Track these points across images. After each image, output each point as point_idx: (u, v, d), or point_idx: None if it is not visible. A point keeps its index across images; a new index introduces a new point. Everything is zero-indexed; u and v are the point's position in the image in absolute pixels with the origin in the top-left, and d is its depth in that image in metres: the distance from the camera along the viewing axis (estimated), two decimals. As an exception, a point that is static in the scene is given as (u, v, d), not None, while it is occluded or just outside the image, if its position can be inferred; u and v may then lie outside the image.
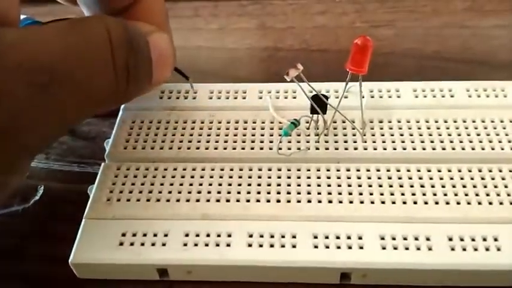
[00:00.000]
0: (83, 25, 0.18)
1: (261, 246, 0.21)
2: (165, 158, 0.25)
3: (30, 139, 0.18)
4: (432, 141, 0.25)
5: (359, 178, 0.23)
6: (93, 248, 0.21)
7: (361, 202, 0.22)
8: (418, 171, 0.23)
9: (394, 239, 0.21)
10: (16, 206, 0.25)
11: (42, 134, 0.18)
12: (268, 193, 0.23)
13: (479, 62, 0.32)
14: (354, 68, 0.22)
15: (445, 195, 0.22)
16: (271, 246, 0.21)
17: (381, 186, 0.23)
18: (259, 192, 0.23)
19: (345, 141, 0.25)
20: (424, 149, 0.24)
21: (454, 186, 0.23)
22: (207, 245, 0.21)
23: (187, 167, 0.24)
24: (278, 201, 0.23)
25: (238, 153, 0.25)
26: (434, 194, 0.22)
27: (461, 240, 0.21)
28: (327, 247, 0.21)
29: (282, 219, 0.22)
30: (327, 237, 0.21)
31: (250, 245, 0.21)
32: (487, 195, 0.22)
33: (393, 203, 0.22)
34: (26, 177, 0.20)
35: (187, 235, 0.22)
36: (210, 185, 0.23)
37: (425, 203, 0.22)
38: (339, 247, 0.21)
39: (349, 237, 0.21)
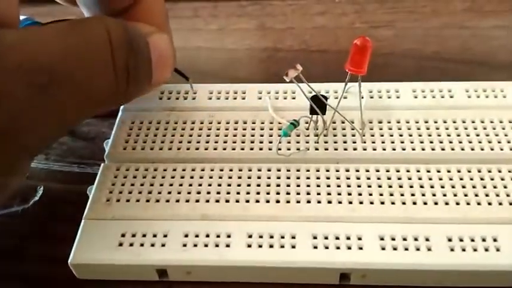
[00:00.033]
0: (82, 26, 0.18)
1: (260, 246, 0.21)
2: (164, 159, 0.25)
3: (30, 140, 0.18)
4: (431, 142, 0.25)
5: (358, 178, 0.23)
6: (93, 249, 0.21)
7: (361, 202, 0.22)
8: (418, 171, 0.23)
9: (393, 239, 0.21)
10: (16, 206, 0.25)
11: (42, 134, 0.18)
12: (268, 193, 0.23)
13: (478, 63, 0.32)
14: (353, 69, 0.22)
15: (445, 195, 0.22)
16: (271, 246, 0.21)
17: (380, 186, 0.23)
18: (258, 193, 0.23)
19: (344, 142, 0.25)
20: (423, 149, 0.24)
21: (453, 187, 0.23)
22: (206, 245, 0.21)
23: (187, 168, 0.24)
24: (277, 201, 0.23)
25: (238, 153, 0.25)
26: (434, 195, 0.22)
27: (461, 240, 0.21)
28: (327, 247, 0.21)
29: (282, 219, 0.22)
30: (326, 238, 0.21)
31: (249, 246, 0.21)
32: (486, 195, 0.22)
33: (392, 203, 0.22)
34: (26, 177, 0.20)
35: (186, 236, 0.22)
36: (210, 185, 0.23)
37: (425, 203, 0.22)
38: (338, 247, 0.21)
39: (348, 238, 0.21)
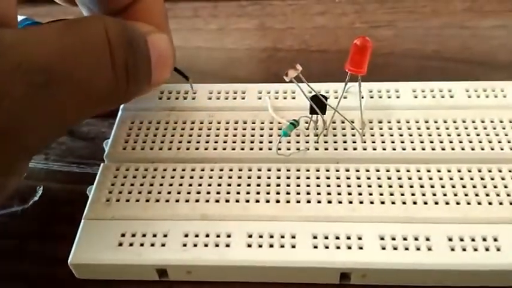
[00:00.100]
0: (80, 25, 0.18)
1: (260, 246, 0.21)
2: (164, 159, 0.25)
3: (29, 139, 0.18)
4: (432, 142, 0.25)
5: (358, 178, 0.23)
6: (93, 249, 0.21)
7: (361, 202, 0.22)
8: (418, 171, 0.23)
9: (393, 239, 0.21)
10: (15, 206, 0.25)
11: (41, 134, 0.18)
12: (268, 193, 0.23)
13: (478, 63, 0.32)
14: (353, 69, 0.22)
15: (445, 195, 0.22)
16: (271, 246, 0.21)
17: (380, 186, 0.23)
18: (258, 193, 0.23)
19: (344, 142, 0.25)
20: (423, 149, 0.24)
21: (453, 187, 0.23)
22: (206, 245, 0.21)
23: (187, 168, 0.24)
24: (277, 201, 0.23)
25: (238, 153, 0.25)
26: (434, 194, 0.22)
27: (461, 240, 0.21)
28: (327, 247, 0.21)
29: (282, 219, 0.22)
30: (326, 238, 0.21)
31: (249, 245, 0.21)
32: (487, 195, 0.22)
33: (393, 203, 0.22)
34: (25, 177, 0.20)
35: (186, 235, 0.22)
36: (210, 185, 0.23)
37: (425, 203, 0.22)
38: (338, 247, 0.21)
39: (348, 238, 0.21)
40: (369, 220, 0.22)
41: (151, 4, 0.23)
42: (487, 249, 0.21)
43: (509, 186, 0.23)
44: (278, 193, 0.23)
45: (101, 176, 0.24)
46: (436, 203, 0.22)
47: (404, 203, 0.22)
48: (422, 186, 0.23)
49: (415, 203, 0.22)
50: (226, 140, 0.25)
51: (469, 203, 0.22)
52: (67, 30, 0.18)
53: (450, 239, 0.21)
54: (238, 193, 0.23)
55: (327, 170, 0.24)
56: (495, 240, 0.21)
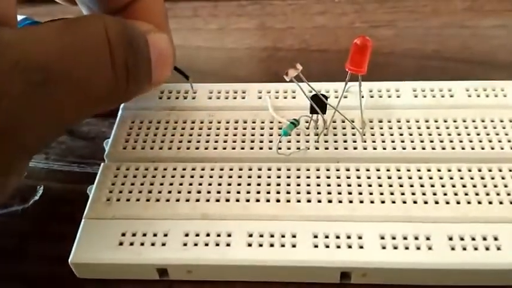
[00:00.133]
0: (80, 24, 0.18)
1: (260, 245, 0.21)
2: (164, 158, 0.25)
3: (28, 139, 0.18)
4: (432, 141, 0.25)
5: (359, 178, 0.23)
6: (93, 248, 0.21)
7: (361, 202, 0.22)
8: (418, 170, 0.23)
9: (394, 238, 0.21)
10: (16, 206, 0.25)
11: (40, 133, 0.18)
12: (268, 193, 0.23)
13: (479, 62, 0.32)
14: (353, 68, 0.22)
15: (445, 194, 0.22)
16: (271, 245, 0.21)
17: (380, 185, 0.23)
18: (258, 192, 0.23)
19: (345, 141, 0.25)
20: (423, 148, 0.24)
21: (454, 186, 0.23)
22: (207, 244, 0.21)
23: (187, 167, 0.24)
24: (278, 200, 0.23)
25: (238, 153, 0.25)
26: (434, 194, 0.22)
27: (461, 239, 0.21)
28: (327, 246, 0.21)
29: (282, 218, 0.22)
30: (326, 237, 0.21)
31: (250, 245, 0.21)
32: (487, 194, 0.22)
33: (393, 202, 0.22)
34: (25, 177, 0.20)
35: (187, 235, 0.22)
36: (210, 184, 0.23)
37: (425, 202, 0.22)
38: (338, 246, 0.21)
39: (349, 237, 0.21)
40: (369, 219, 0.22)
41: (151, 3, 0.23)
42: (487, 249, 0.21)
43: (510, 185, 0.23)
44: (278, 192, 0.23)
45: (101, 176, 0.24)
46: (437, 203, 0.22)
47: (404, 202, 0.22)
48: (422, 186, 0.23)
49: (415, 202, 0.22)
50: (227, 139, 0.25)
51: (469, 203, 0.22)
52: (66, 29, 0.18)
53: (450, 238, 0.21)
54: (238, 192, 0.23)
55: (327, 170, 0.24)
56: (495, 239, 0.21)
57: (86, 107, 0.19)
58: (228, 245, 0.21)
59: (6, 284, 0.23)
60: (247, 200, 0.23)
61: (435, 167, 0.23)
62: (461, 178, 0.23)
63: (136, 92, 0.21)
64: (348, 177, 0.23)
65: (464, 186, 0.23)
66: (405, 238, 0.21)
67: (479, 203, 0.22)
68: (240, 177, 0.23)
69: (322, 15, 0.35)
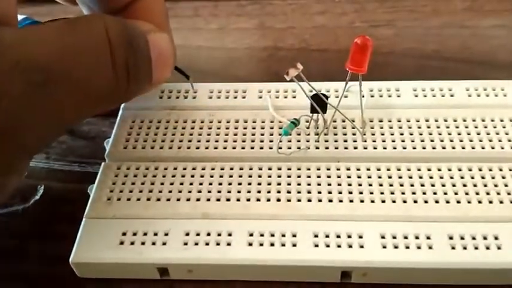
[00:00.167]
0: (81, 24, 0.18)
1: (261, 245, 0.21)
2: (165, 158, 0.25)
3: (28, 139, 0.18)
4: (432, 141, 0.25)
5: (359, 177, 0.23)
6: (94, 248, 0.21)
7: (362, 201, 0.22)
8: (418, 170, 0.23)
9: (394, 237, 0.21)
10: (16, 205, 0.25)
11: (40, 133, 0.18)
12: (269, 192, 0.23)
13: (478, 62, 0.32)
14: (353, 68, 0.22)
15: (445, 194, 0.22)
16: (272, 245, 0.21)
17: (381, 185, 0.23)
18: (259, 192, 0.23)
19: (345, 141, 0.25)
20: (424, 148, 0.24)
21: (454, 185, 0.23)
22: (207, 244, 0.21)
23: (188, 167, 0.24)
24: (278, 200, 0.23)
25: (239, 152, 0.25)
26: (435, 193, 0.22)
27: (462, 239, 0.21)
28: (328, 246, 0.21)
29: (283, 218, 0.22)
30: (327, 236, 0.21)
31: (250, 244, 0.21)
32: (487, 194, 0.22)
33: (393, 202, 0.22)
34: (26, 176, 0.20)
35: (187, 234, 0.22)
36: (211, 184, 0.23)
37: (426, 201, 0.22)
38: (339, 246, 0.21)
39: (349, 236, 0.21)
40: (369, 219, 0.22)
41: (151, 3, 0.23)
42: (487, 248, 0.21)
43: (510, 185, 0.23)
44: (279, 192, 0.23)
45: (102, 175, 0.24)
46: (437, 202, 0.22)
47: (405, 201, 0.22)
48: (422, 185, 0.23)
49: (415, 201, 0.22)
50: (227, 139, 0.25)
51: (469, 202, 0.22)
52: (67, 29, 0.18)
53: (451, 238, 0.21)
54: (239, 192, 0.23)
55: (328, 169, 0.24)
56: (496, 238, 0.21)
57: (87, 107, 0.19)
58: (228, 244, 0.21)
59: (7, 284, 0.23)
60: (248, 200, 0.23)
61: (435, 166, 0.23)
62: (462, 177, 0.23)
63: (136, 92, 0.21)
64: (349, 177, 0.23)
65: (464, 185, 0.23)
66: (406, 237, 0.21)
67: (480, 202, 0.22)
68: (240, 176, 0.24)
69: (322, 14, 0.35)
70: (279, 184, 0.23)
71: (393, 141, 0.25)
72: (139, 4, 0.22)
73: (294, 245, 0.21)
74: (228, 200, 0.23)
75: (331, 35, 0.34)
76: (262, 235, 0.21)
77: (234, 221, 0.22)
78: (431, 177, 0.23)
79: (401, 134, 0.25)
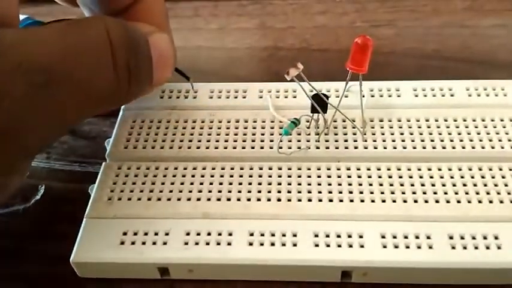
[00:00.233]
0: (82, 26, 0.18)
1: (262, 244, 0.21)
2: (165, 157, 0.25)
3: (30, 140, 0.18)
4: (432, 140, 0.25)
5: (359, 177, 0.23)
6: (94, 247, 0.21)
7: (362, 201, 0.22)
8: (419, 169, 0.23)
9: (394, 237, 0.21)
10: (17, 205, 0.25)
11: (41, 134, 0.18)
12: (269, 192, 0.23)
13: (479, 62, 0.32)
14: (354, 67, 0.22)
15: (446, 193, 0.22)
16: (272, 244, 0.21)
17: (381, 185, 0.23)
18: (259, 191, 0.23)
19: (346, 140, 0.25)
20: (424, 147, 0.24)
21: (454, 185, 0.23)
22: (208, 243, 0.21)
23: (188, 166, 0.24)
24: (279, 200, 0.23)
25: (239, 152, 0.25)
26: (435, 193, 0.23)
27: (462, 238, 0.21)
28: (328, 245, 0.21)
29: (283, 218, 0.22)
30: (327, 236, 0.21)
31: (251, 244, 0.21)
32: (488, 193, 0.22)
33: (394, 201, 0.22)
34: (27, 176, 0.20)
35: (188, 234, 0.22)
36: (211, 184, 0.23)
37: (426, 201, 0.22)
38: (339, 245, 0.21)
39: (349, 236, 0.21)
40: (370, 218, 0.22)
41: (152, 4, 0.23)
42: (487, 248, 0.21)
43: (510, 184, 0.23)
44: (279, 192, 0.23)
45: (103, 175, 0.24)
46: (437, 202, 0.22)
47: (405, 201, 0.22)
48: (423, 185, 0.23)
49: (416, 201, 0.22)
50: (228, 138, 0.25)
51: (469, 202, 0.22)
52: (68, 30, 0.18)
53: (451, 237, 0.21)
54: (239, 192, 0.23)
55: (328, 169, 0.24)
56: (496, 238, 0.21)
57: (88, 108, 0.19)
58: (229, 244, 0.21)
59: (7, 284, 0.23)
60: (248, 199, 0.23)
61: (436, 166, 0.23)
62: (462, 177, 0.23)
63: (137, 93, 0.21)
64: (349, 177, 0.23)
65: (464, 185, 0.23)
66: (406, 237, 0.21)
67: (480, 202, 0.22)
68: (241, 176, 0.24)
69: (322, 14, 0.35)
70: (279, 184, 0.23)
71: (393, 141, 0.25)
72: (139, 5, 0.23)
73: (295, 245, 0.21)
74: (228, 199, 0.23)
75: (332, 34, 0.34)
76: (262, 235, 0.21)
77: (235, 220, 0.22)
78: (431, 177, 0.23)
79: (402, 134, 0.25)
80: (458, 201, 0.22)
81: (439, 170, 0.23)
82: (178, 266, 0.21)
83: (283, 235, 0.21)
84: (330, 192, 0.23)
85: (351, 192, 0.23)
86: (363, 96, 0.25)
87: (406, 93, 0.27)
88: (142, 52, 0.20)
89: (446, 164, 0.23)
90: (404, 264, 0.21)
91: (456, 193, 0.23)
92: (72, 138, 0.29)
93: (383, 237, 0.21)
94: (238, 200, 0.23)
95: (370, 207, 0.22)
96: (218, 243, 0.21)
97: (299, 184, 0.23)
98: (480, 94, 0.27)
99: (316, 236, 0.21)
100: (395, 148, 0.24)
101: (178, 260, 0.21)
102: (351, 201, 0.22)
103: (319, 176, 0.23)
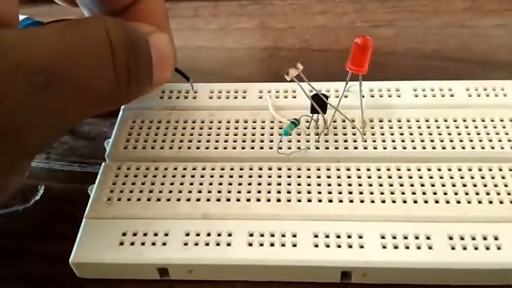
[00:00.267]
0: (81, 26, 0.18)
1: (261, 245, 0.21)
2: (165, 158, 0.25)
3: (30, 140, 0.18)
4: (432, 141, 0.25)
5: (359, 177, 0.23)
6: (94, 248, 0.21)
7: (362, 201, 0.22)
8: (418, 170, 0.23)
9: (394, 238, 0.21)
10: (17, 206, 0.25)
11: (41, 134, 0.18)
12: (269, 192, 0.23)
13: (479, 62, 0.32)
14: (354, 68, 0.22)
15: (445, 194, 0.22)
16: (272, 245, 0.21)
17: (381, 185, 0.23)
18: (259, 192, 0.23)
19: (345, 141, 0.25)
20: (424, 148, 0.24)
21: (454, 185, 0.23)
22: (207, 244, 0.21)
23: (188, 167, 0.24)
24: (278, 200, 0.23)
25: (239, 152, 0.25)
26: (435, 193, 0.23)
27: (462, 239, 0.21)
28: (328, 246, 0.21)
29: (283, 218, 0.22)
30: (327, 236, 0.21)
31: (250, 244, 0.21)
32: (487, 194, 0.22)
33: (393, 202, 0.22)
34: (27, 176, 0.20)
35: (187, 234, 0.22)
36: (211, 184, 0.23)
37: (426, 202, 0.22)
38: (339, 246, 0.21)
39: (349, 236, 0.21)
40: (369, 219, 0.22)
41: (151, 4, 0.23)
42: (487, 248, 0.21)
43: (510, 185, 0.23)
44: (279, 192, 0.23)
45: (102, 175, 0.24)
46: (437, 202, 0.22)
47: (405, 201, 0.22)
48: (422, 185, 0.23)
49: (415, 201, 0.22)
50: (227, 139, 0.25)
51: (469, 202, 0.22)
52: (68, 30, 0.18)
53: (451, 238, 0.21)
54: (239, 192, 0.23)
55: (328, 169, 0.24)
56: (496, 239, 0.21)
57: (88, 108, 0.19)
58: (228, 244, 0.21)
59: (7, 284, 0.23)
60: (248, 200, 0.23)
61: (435, 166, 0.23)
62: (462, 178, 0.23)
63: (137, 94, 0.21)
64: (349, 177, 0.23)
65: (464, 185, 0.23)
66: (405, 238, 0.21)
67: (480, 202, 0.22)
68: (240, 176, 0.24)
69: (322, 14, 0.35)
70: (279, 184, 0.23)
71: (393, 141, 0.25)
72: (139, 5, 0.23)
73: (294, 245, 0.21)
74: (228, 200, 0.23)
75: (332, 35, 0.34)
76: (262, 235, 0.21)
77: (234, 221, 0.22)
78: (431, 177, 0.23)
79: (402, 134, 0.25)
80: (458, 202, 0.22)
81: (439, 170, 0.23)
82: (178, 267, 0.21)
83: (283, 235, 0.21)
84: (330, 193, 0.23)
85: (350, 193, 0.23)
86: (363, 97, 0.25)
87: (406, 93, 0.27)
88: (142, 52, 0.20)
89: (446, 165, 0.23)
90: (404, 265, 0.20)
91: (456, 193, 0.22)
92: (72, 139, 0.29)
93: (383, 237, 0.21)
94: (238, 200, 0.23)
95: (370, 208, 0.22)
96: (218, 244, 0.21)
97: (299, 184, 0.23)
98: (480, 94, 0.27)
99: (316, 236, 0.21)
100: (395, 148, 0.24)
101: (177, 261, 0.21)
102: (351, 201, 0.22)
103: (318, 177, 0.23)
